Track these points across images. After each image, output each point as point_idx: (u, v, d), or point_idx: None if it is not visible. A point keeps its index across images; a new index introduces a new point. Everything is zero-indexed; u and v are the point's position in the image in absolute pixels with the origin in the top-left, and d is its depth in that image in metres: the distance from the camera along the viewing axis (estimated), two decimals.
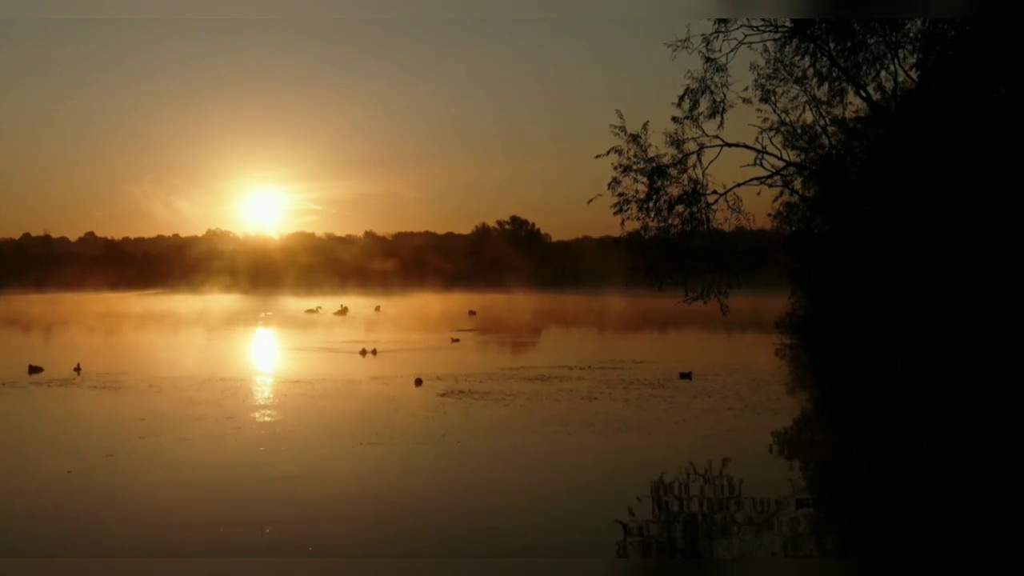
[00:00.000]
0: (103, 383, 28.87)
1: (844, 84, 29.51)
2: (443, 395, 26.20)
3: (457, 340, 46.48)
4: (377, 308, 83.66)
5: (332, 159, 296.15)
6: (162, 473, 16.74)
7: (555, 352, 42.18)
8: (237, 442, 19.43)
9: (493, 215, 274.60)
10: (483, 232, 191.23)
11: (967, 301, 28.76)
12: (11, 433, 20.89)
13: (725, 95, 27.86)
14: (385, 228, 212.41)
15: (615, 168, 29.99)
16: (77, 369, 31.66)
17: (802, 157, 31.83)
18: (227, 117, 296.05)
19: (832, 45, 27.76)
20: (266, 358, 37.68)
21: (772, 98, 29.61)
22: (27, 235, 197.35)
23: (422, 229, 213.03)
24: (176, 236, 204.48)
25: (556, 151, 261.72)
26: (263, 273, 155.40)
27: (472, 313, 76.94)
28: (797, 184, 31.98)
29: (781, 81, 29.26)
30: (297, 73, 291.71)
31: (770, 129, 30.73)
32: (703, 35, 26.95)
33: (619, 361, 35.79)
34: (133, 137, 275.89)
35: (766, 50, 28.72)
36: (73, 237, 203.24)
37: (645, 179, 29.50)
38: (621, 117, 29.61)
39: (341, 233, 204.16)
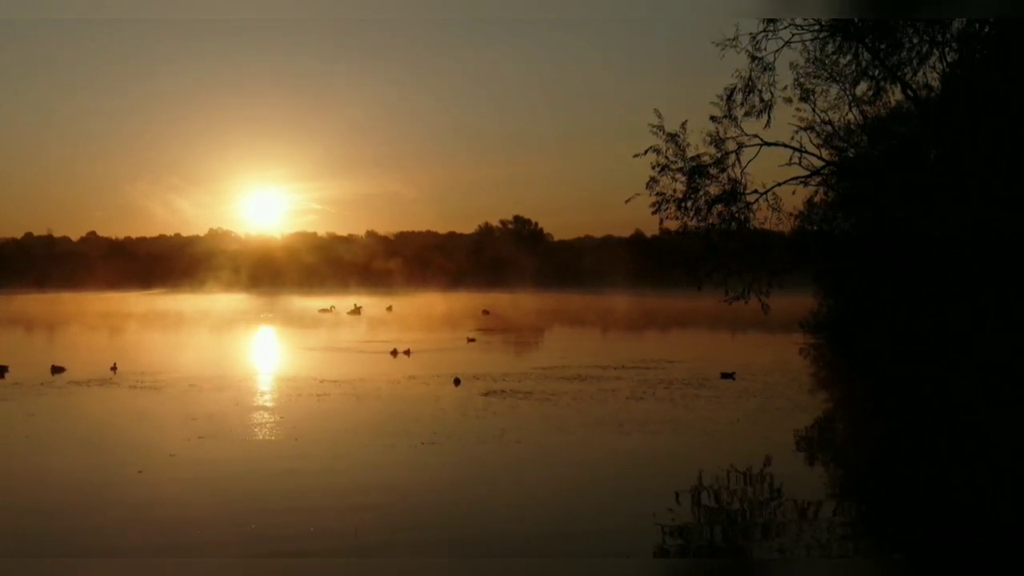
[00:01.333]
0: (141, 383, 28.75)
1: (884, 83, 29.40)
2: (486, 395, 26.12)
3: (472, 340, 46.35)
4: (389, 308, 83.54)
5: (333, 159, 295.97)
6: (230, 473, 16.69)
7: (581, 351, 42.06)
8: (298, 443, 19.34)
9: (494, 215, 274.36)
10: (486, 231, 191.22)
11: (1001, 300, 28.80)
12: (68, 433, 20.76)
13: (773, 94, 27.77)
14: (386, 228, 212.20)
15: (653, 167, 29.85)
16: (113, 368, 31.57)
17: (837, 156, 31.77)
18: (227, 117, 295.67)
19: (875, 43, 27.67)
20: (296, 358, 37.53)
21: (811, 97, 29.48)
22: (29, 234, 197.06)
23: (423, 229, 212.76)
24: (178, 236, 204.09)
25: (557, 151, 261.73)
26: (267, 272, 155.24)
27: (486, 312, 76.84)
28: (834, 183, 31.88)
29: (821, 79, 29.15)
30: (298, 73, 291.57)
31: (807, 128, 30.61)
32: (751, 34, 26.86)
33: (649, 360, 35.74)
34: (134, 137, 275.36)
35: (806, 49, 28.61)
36: (75, 237, 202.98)
37: (683, 178, 29.36)
38: (659, 116, 29.50)
39: (342, 233, 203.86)
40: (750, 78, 27.20)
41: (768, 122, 28.06)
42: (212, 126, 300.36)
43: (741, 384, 28.19)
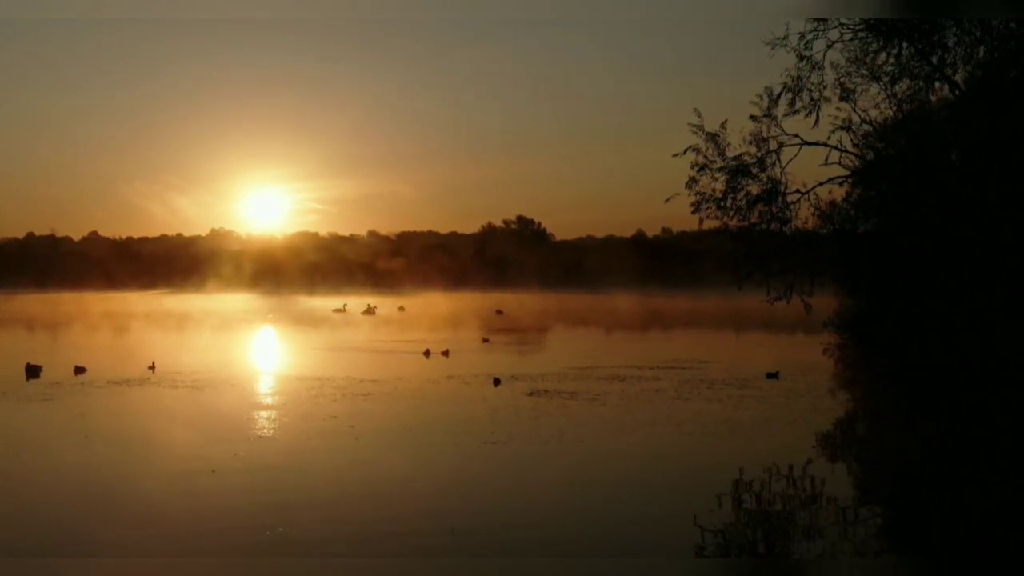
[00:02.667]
0: (182, 382, 28.65)
1: (923, 82, 29.40)
2: (531, 395, 26.03)
3: (487, 340, 46.19)
4: (401, 308, 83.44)
5: (333, 158, 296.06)
6: (302, 471, 16.66)
7: (607, 352, 41.97)
8: (360, 443, 19.28)
9: (494, 215, 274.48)
10: (490, 231, 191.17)
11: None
12: (126, 432, 20.65)
13: (821, 93, 27.77)
14: (387, 228, 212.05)
15: (692, 167, 29.88)
16: (151, 368, 31.45)
17: (875, 155, 31.79)
18: (227, 116, 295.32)
19: (919, 41, 27.65)
20: (327, 358, 37.32)
21: (852, 96, 29.49)
22: (31, 234, 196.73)
23: (424, 229, 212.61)
24: (179, 235, 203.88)
25: (558, 151, 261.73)
26: (271, 272, 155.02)
27: (499, 312, 76.74)
28: (871, 182, 31.90)
29: (862, 78, 29.14)
30: (298, 72, 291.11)
31: (845, 128, 30.62)
32: (800, 33, 26.87)
33: (682, 360, 35.65)
34: (134, 136, 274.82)
35: (847, 47, 28.61)
36: (76, 236, 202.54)
37: (723, 177, 29.37)
38: (699, 116, 29.60)
39: (344, 233, 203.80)
40: (798, 77, 27.18)
41: (816, 121, 28.06)
42: (212, 126, 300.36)
43: (786, 384, 28.11)
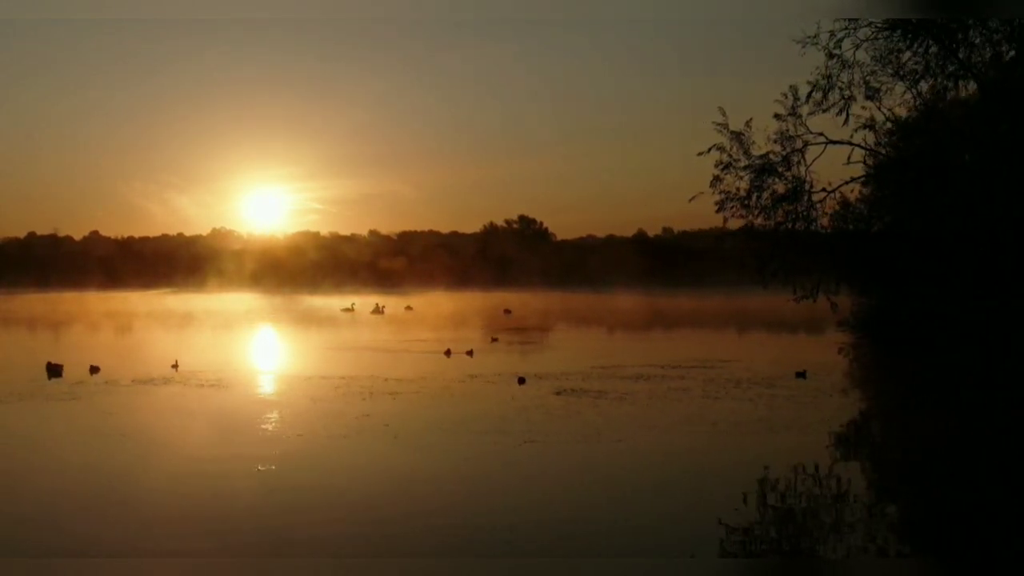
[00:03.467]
0: (206, 381, 28.63)
1: (947, 81, 29.34)
2: (558, 394, 25.99)
3: (496, 339, 46.14)
4: (408, 307, 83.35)
5: (334, 158, 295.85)
6: (349, 469, 16.69)
7: (625, 351, 41.92)
8: (399, 442, 19.27)
9: (495, 214, 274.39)
10: (492, 231, 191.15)
11: None
12: (165, 431, 20.63)
13: (852, 91, 27.72)
14: (388, 227, 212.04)
15: (716, 166, 29.83)
16: (175, 366, 31.43)
17: (897, 154, 31.75)
18: (228, 116, 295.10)
19: (947, 39, 27.60)
20: (346, 357, 37.19)
21: (877, 95, 29.40)
22: (32, 234, 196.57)
23: (425, 228, 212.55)
24: (180, 235, 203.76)
25: (559, 150, 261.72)
26: (274, 272, 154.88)
27: (507, 312, 76.67)
28: (893, 180, 31.84)
29: (887, 76, 29.05)
30: (299, 72, 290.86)
31: (868, 127, 30.57)
32: (830, 32, 26.80)
33: (702, 360, 35.65)
34: (134, 136, 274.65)
35: (873, 45, 28.51)
36: (77, 236, 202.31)
37: (748, 176, 29.35)
38: (724, 115, 29.51)
39: (345, 232, 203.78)
40: (829, 76, 27.13)
41: (847, 119, 28.00)
42: (212, 125, 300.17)
43: (813, 383, 28.10)
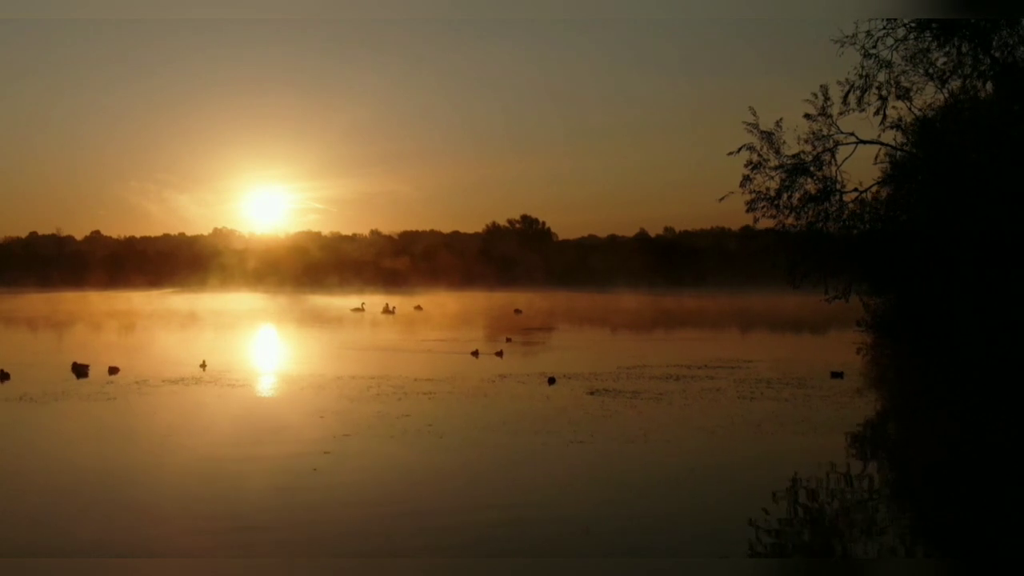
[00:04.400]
0: (236, 381, 28.55)
1: (976, 81, 29.36)
2: (592, 394, 25.95)
3: (510, 339, 46.08)
4: (417, 307, 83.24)
5: (334, 158, 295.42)
6: (400, 469, 16.67)
7: (648, 350, 41.82)
8: (445, 441, 19.21)
9: (495, 214, 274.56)
10: (494, 230, 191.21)
11: None
12: (210, 431, 20.53)
13: (890, 91, 27.71)
14: (389, 227, 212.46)
15: (746, 166, 29.84)
16: (203, 366, 31.37)
17: (926, 153, 31.75)
18: (228, 116, 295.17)
19: (978, 38, 27.61)
20: (371, 358, 36.98)
21: (908, 95, 29.43)
22: (34, 234, 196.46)
23: (425, 228, 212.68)
24: (182, 235, 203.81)
25: (561, 150, 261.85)
26: (279, 272, 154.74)
27: (518, 312, 76.62)
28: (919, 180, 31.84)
29: (918, 76, 29.09)
30: (299, 71, 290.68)
31: (896, 126, 30.59)
32: (867, 32, 26.83)
33: (727, 360, 35.66)
34: (135, 136, 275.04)
35: (905, 45, 28.54)
36: (79, 236, 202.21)
37: (778, 176, 29.36)
38: (755, 114, 29.54)
39: (346, 232, 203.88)
40: (866, 75, 27.13)
41: (884, 119, 27.99)
42: (213, 125, 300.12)
43: (850, 383, 28.09)
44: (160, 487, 15.20)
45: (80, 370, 30.80)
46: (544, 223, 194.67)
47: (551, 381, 28.45)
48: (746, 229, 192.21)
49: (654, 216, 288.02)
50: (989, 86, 30.22)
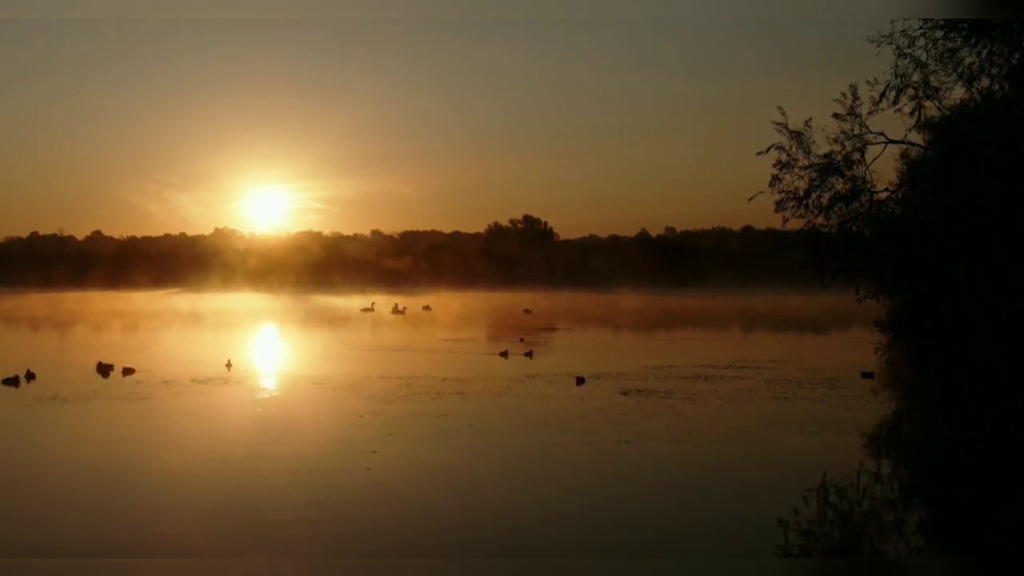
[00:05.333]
0: (263, 381, 28.58)
1: (1004, 80, 29.23)
2: (625, 394, 25.89)
3: (523, 340, 46.00)
4: (426, 307, 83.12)
5: (335, 158, 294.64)
6: (450, 471, 16.58)
7: (669, 351, 41.66)
8: (490, 440, 19.20)
9: (496, 214, 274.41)
10: (497, 230, 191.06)
11: None
12: (255, 429, 20.42)
13: (925, 90, 27.56)
14: (389, 227, 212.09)
15: (774, 165, 29.67)
16: (228, 366, 31.31)
17: (954, 152, 31.63)
18: (228, 116, 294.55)
19: (1004, 38, 27.50)
20: (396, 358, 36.73)
21: (937, 95, 29.28)
22: (35, 234, 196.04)
23: (426, 228, 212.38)
24: (183, 235, 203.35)
25: (562, 150, 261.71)
26: (281, 272, 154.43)
27: (527, 311, 76.51)
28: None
29: (948, 76, 28.90)
30: (300, 71, 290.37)
31: (922, 126, 30.46)
32: (903, 31, 26.67)
33: (752, 360, 35.65)
34: (135, 136, 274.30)
35: (935, 44, 28.38)
36: (80, 236, 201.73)
37: (807, 176, 29.21)
38: (784, 114, 29.32)
39: (347, 232, 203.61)
40: (902, 75, 27.00)
41: (919, 119, 27.86)
42: (213, 125, 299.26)
43: (880, 383, 28.05)
44: (227, 487, 15.13)
45: (104, 370, 30.75)
46: (546, 223, 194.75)
47: (580, 381, 28.37)
48: (747, 229, 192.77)
49: (655, 216, 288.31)
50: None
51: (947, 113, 30.82)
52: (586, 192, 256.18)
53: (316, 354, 39.18)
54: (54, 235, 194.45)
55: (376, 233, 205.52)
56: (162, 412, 22.88)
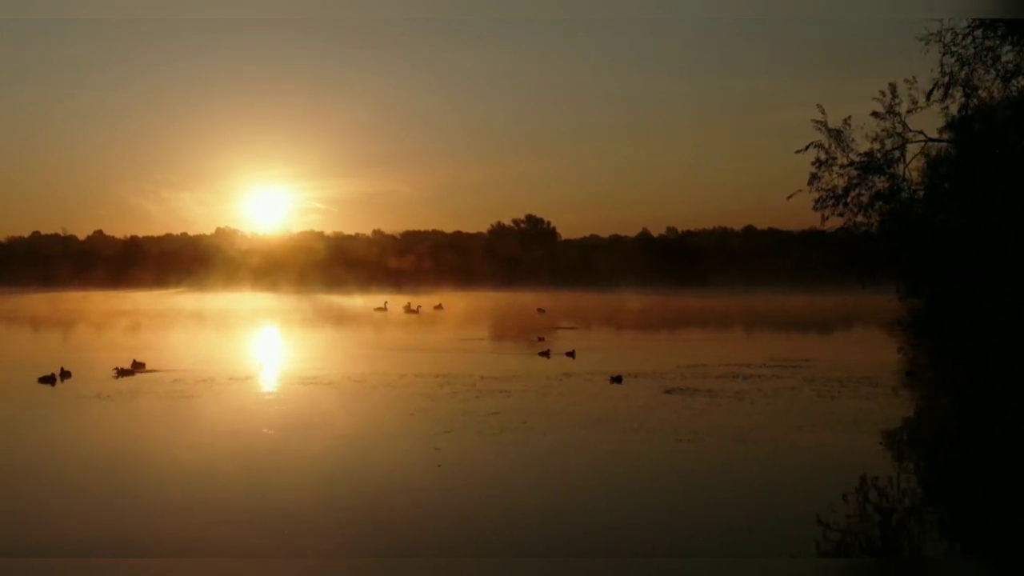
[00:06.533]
0: (303, 380, 28.30)
1: None
2: (668, 393, 25.84)
3: (542, 339, 45.89)
4: (438, 306, 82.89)
5: (335, 158, 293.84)
6: (517, 467, 16.64)
7: (695, 350, 41.52)
8: (550, 439, 19.13)
9: (498, 214, 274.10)
10: (500, 230, 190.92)
11: None
12: (317, 427, 20.30)
13: (974, 89, 27.50)
14: (390, 227, 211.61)
15: (813, 164, 29.63)
16: (261, 365, 31.27)
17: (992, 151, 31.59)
18: (229, 115, 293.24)
19: None
20: (426, 358, 36.44)
21: (975, 94, 29.21)
22: (37, 233, 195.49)
23: (427, 228, 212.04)
24: (184, 234, 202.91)
25: (562, 151, 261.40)
26: (287, 271, 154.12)
27: (541, 311, 76.37)
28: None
29: (987, 74, 28.84)
30: (301, 71, 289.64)
31: (952, 125, 30.43)
32: (952, 30, 26.60)
33: (785, 359, 35.64)
34: (136, 136, 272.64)
35: (975, 44, 28.32)
36: (81, 235, 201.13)
37: (847, 174, 29.18)
38: (823, 112, 29.28)
39: (349, 232, 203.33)
40: (950, 73, 26.93)
41: (966, 115, 27.79)
42: (213, 125, 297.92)
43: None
44: (313, 486, 15.05)
45: (138, 368, 30.72)
46: (549, 223, 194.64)
47: (617, 380, 28.26)
48: (748, 229, 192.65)
49: (655, 216, 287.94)
50: None
51: (971, 112, 30.77)
52: (586, 192, 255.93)
53: (343, 353, 39.02)
54: (56, 235, 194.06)
55: (378, 233, 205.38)
56: (214, 410, 22.80)
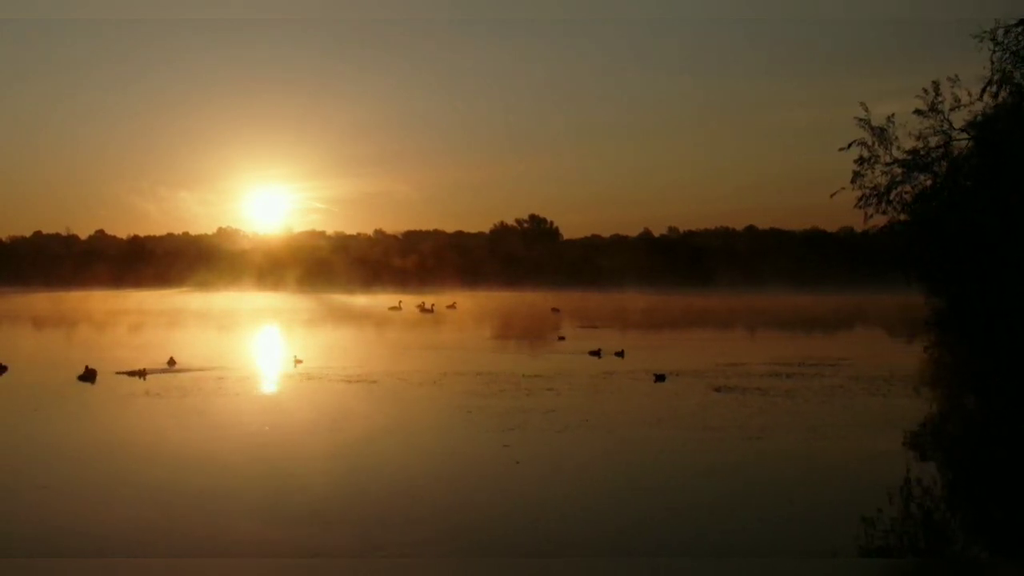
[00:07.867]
0: (343, 378, 28.09)
1: None
2: (718, 391, 25.70)
3: (563, 338, 45.79)
4: (451, 305, 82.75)
5: (336, 157, 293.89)
6: (604, 462, 16.48)
7: (729, 349, 41.41)
8: (615, 437, 18.99)
9: (499, 214, 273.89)
10: (502, 230, 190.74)
11: None
12: (380, 426, 20.12)
13: (1012, 86, 27.40)
14: (391, 227, 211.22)
15: (855, 161, 29.57)
16: (297, 362, 31.16)
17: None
18: (229, 115, 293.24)
19: None
20: (456, 356, 36.44)
21: (1019, 92, 29.13)
22: (39, 233, 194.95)
23: (428, 227, 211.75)
24: (186, 234, 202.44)
25: (563, 150, 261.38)
26: (292, 270, 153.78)
27: (555, 310, 76.24)
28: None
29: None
30: (301, 71, 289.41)
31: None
32: (1005, 27, 26.54)
33: (819, 358, 35.59)
34: (136, 136, 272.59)
35: (1016, 40, 28.23)
36: (83, 235, 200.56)
37: (889, 172, 29.11)
38: (866, 110, 29.27)
39: (350, 231, 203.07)
40: (1004, 71, 26.81)
41: (1020, 113, 27.69)
42: (213, 125, 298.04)
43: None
44: (388, 487, 14.85)
45: (171, 365, 30.65)
46: (552, 223, 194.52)
47: (660, 378, 28.09)
48: (750, 229, 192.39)
49: (657, 216, 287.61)
50: None
51: (991, 112, 30.66)
52: (587, 192, 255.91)
53: (374, 352, 38.84)
54: (58, 234, 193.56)
55: (379, 232, 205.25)
56: (267, 407, 22.65)
